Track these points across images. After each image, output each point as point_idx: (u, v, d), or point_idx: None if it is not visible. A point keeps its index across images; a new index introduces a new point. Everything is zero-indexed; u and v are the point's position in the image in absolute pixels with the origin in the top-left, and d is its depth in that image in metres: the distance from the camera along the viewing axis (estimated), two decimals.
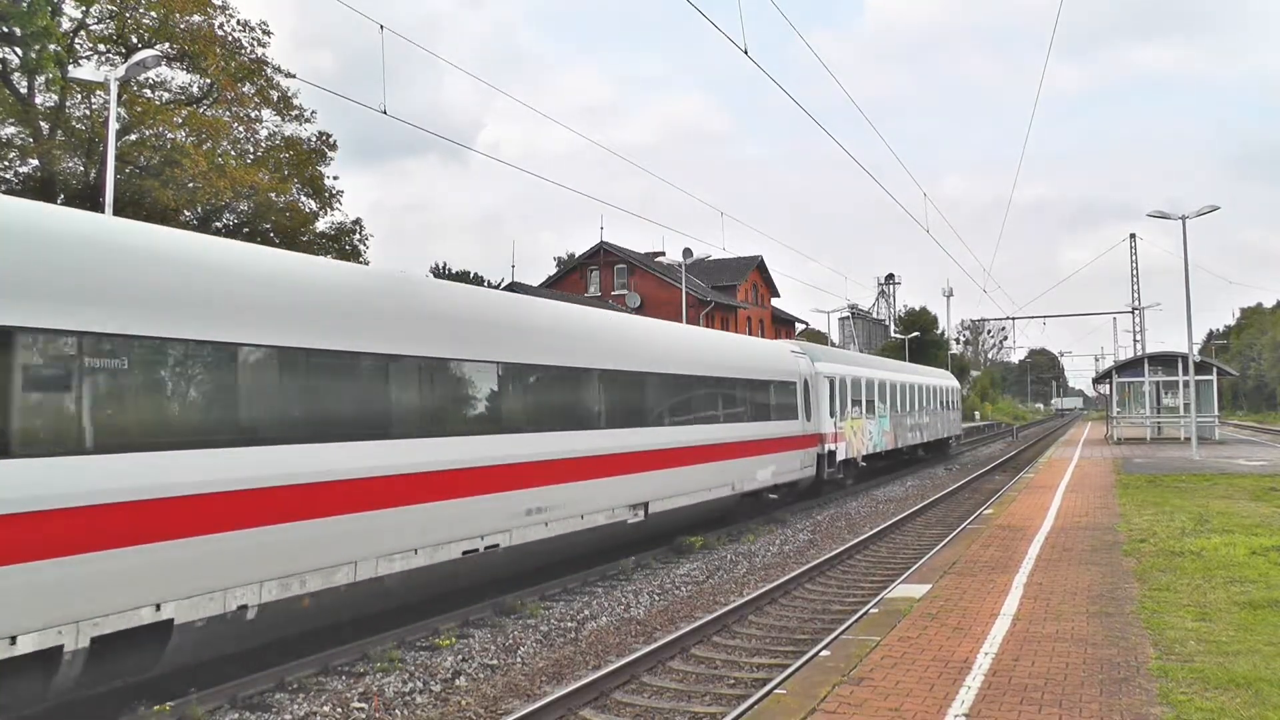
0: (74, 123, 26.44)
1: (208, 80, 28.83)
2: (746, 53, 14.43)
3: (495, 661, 9.33)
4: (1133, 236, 60.44)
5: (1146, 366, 41.41)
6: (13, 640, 6.08)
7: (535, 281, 57.22)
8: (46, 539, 6.26)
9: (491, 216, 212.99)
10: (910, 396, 32.51)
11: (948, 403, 40.53)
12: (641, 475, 13.96)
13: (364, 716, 7.82)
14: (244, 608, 7.74)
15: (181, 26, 27.13)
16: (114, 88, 18.42)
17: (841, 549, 15.31)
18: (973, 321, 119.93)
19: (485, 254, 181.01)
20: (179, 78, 29.30)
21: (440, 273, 59.86)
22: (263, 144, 31.34)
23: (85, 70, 24.58)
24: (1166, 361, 40.64)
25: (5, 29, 23.11)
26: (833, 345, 61.70)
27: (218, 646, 7.82)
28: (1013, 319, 77.78)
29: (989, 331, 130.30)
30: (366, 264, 30.70)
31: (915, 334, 75.82)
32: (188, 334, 7.46)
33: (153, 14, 26.92)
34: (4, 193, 23.16)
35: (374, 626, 9.90)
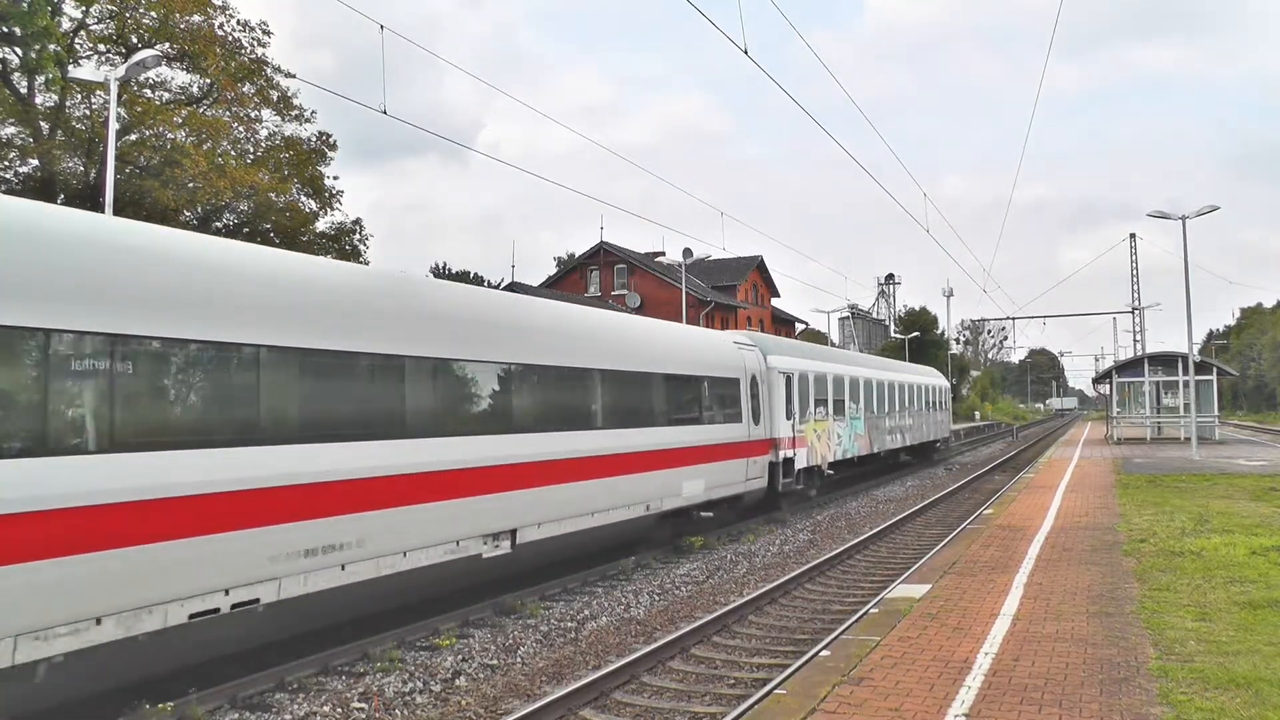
0: (74, 123, 26.45)
1: (208, 80, 28.83)
2: (746, 53, 14.44)
3: (495, 661, 9.33)
4: (1133, 236, 60.56)
5: (1146, 366, 41.41)
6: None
7: (535, 281, 57.26)
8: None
9: (491, 216, 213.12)
10: (890, 396, 29.74)
11: (935, 403, 37.61)
12: (503, 495, 10.95)
13: (364, 716, 7.82)
14: None
15: (181, 26, 27.13)
16: (114, 88, 18.42)
17: (841, 549, 15.31)
18: (973, 321, 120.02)
19: (485, 254, 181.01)
20: (179, 78, 29.36)
21: (440, 273, 59.82)
22: (263, 144, 31.35)
23: (85, 70, 24.60)
24: (1166, 361, 40.65)
25: (5, 29, 23.11)
26: (833, 345, 61.55)
27: None
28: (1013, 319, 77.97)
29: (989, 331, 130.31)
30: (366, 264, 30.67)
31: (915, 334, 75.78)
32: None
33: (153, 14, 26.92)
34: (4, 193, 23.17)
35: (374, 626, 9.90)
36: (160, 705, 7.33)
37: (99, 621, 6.65)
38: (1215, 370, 41.38)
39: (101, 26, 27.30)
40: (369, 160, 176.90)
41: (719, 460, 16.68)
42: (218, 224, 30.05)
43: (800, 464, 20.47)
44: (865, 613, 9.80)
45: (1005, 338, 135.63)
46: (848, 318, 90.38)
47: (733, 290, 58.57)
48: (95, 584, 6.59)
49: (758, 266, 62.49)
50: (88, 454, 6.69)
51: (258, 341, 8.10)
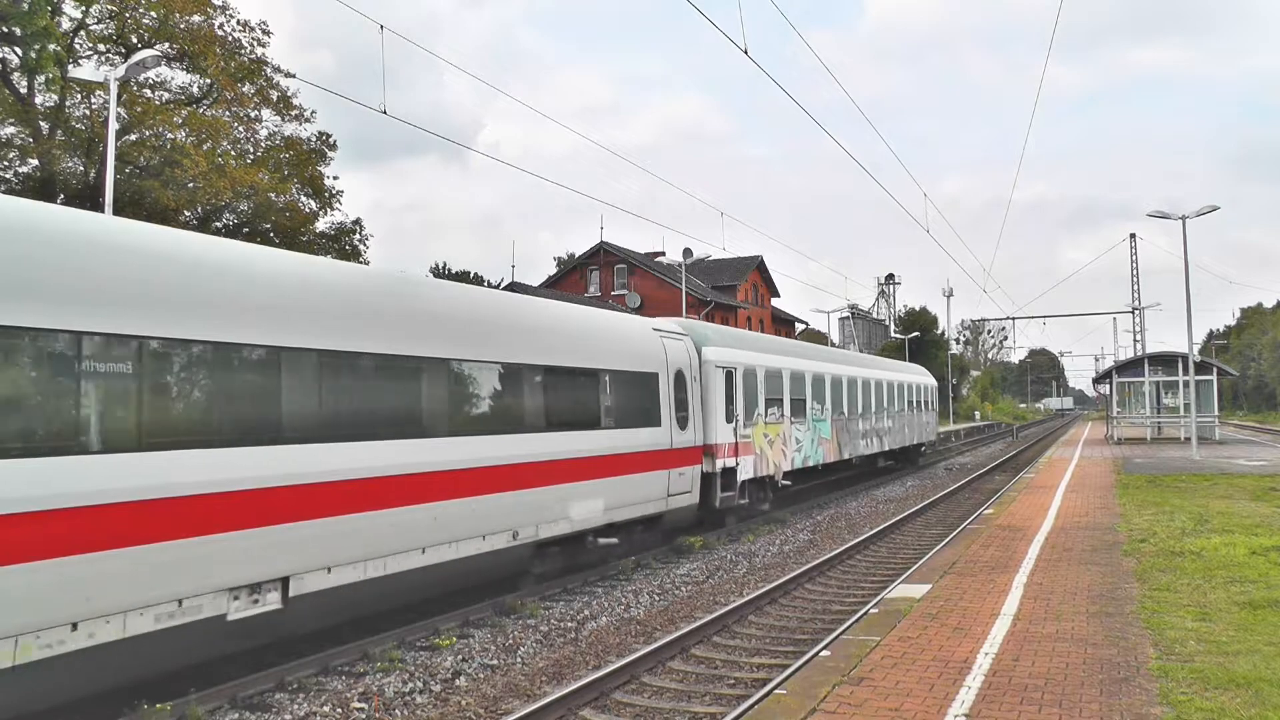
0: (74, 123, 26.45)
1: (208, 80, 28.83)
2: (746, 53, 14.44)
3: (495, 661, 9.33)
4: (1133, 236, 60.62)
5: (1146, 366, 41.42)
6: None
7: (535, 281, 57.26)
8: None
9: (491, 216, 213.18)
10: (866, 395, 26.59)
11: (920, 403, 34.33)
12: (263, 532, 7.99)
13: (364, 716, 7.82)
14: None
15: (181, 26, 27.13)
16: (114, 88, 18.43)
17: (841, 549, 15.31)
18: (973, 321, 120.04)
19: (485, 254, 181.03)
20: (179, 78, 29.36)
21: (440, 273, 59.83)
22: (263, 144, 31.36)
23: (85, 70, 24.68)
24: (1166, 361, 40.65)
25: (5, 29, 23.11)
26: (833, 345, 61.42)
27: None
28: (1013, 319, 78.01)
29: (989, 331, 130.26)
30: (366, 264, 30.68)
31: (915, 334, 75.81)
32: None
33: (153, 14, 26.92)
34: (4, 193, 23.18)
35: (374, 627, 9.90)
36: (160, 705, 7.33)
37: None
38: (1215, 370, 41.40)
39: (101, 26, 27.31)
40: (369, 160, 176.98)
41: (626, 473, 13.58)
42: (218, 224, 30.06)
43: (745, 474, 17.53)
44: (865, 613, 9.80)
45: (1005, 338, 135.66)
46: (848, 318, 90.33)
47: (733, 290, 58.57)
48: None
49: (758, 266, 62.49)
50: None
51: None
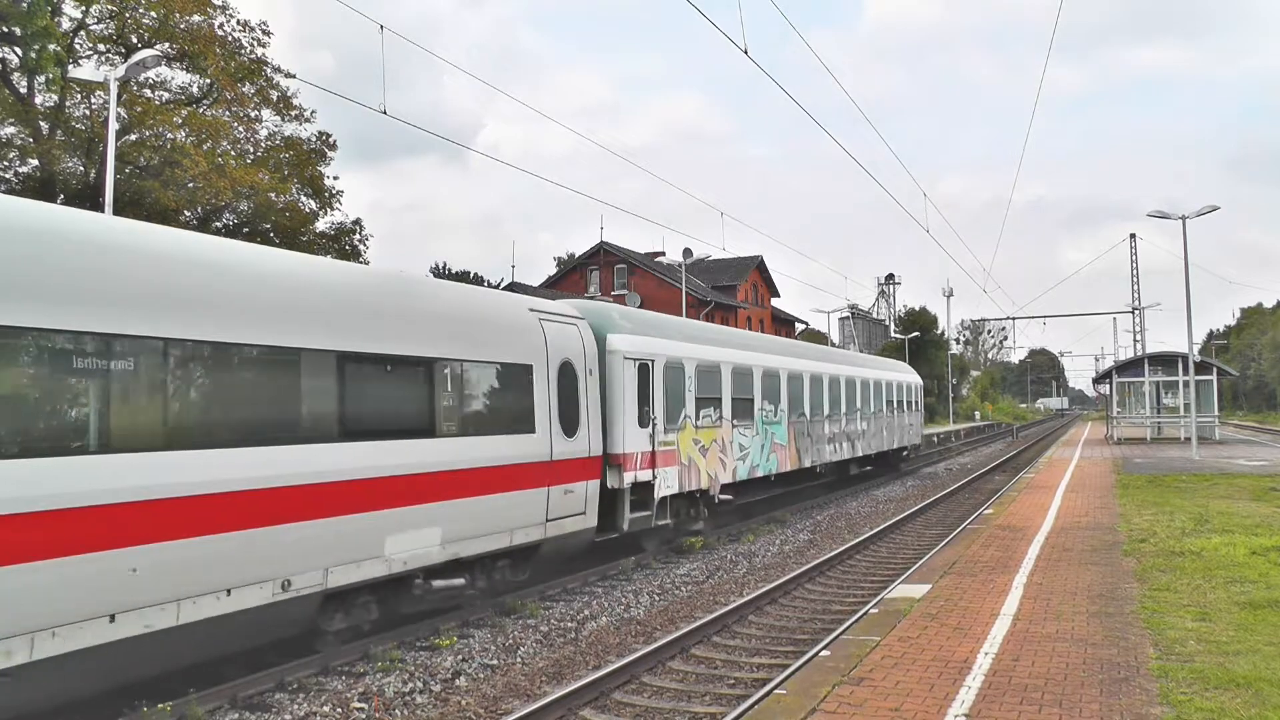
0: (74, 123, 26.46)
1: (208, 80, 28.84)
2: (746, 53, 14.44)
3: (495, 661, 9.33)
4: (1133, 236, 60.55)
5: (1146, 366, 41.43)
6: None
7: (535, 281, 57.26)
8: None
9: (491, 216, 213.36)
10: (834, 394, 23.35)
11: (902, 403, 31.10)
12: None
13: (364, 716, 7.82)
14: None
15: (181, 26, 27.14)
16: (114, 88, 18.44)
17: (841, 549, 15.31)
18: (973, 321, 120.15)
19: (485, 254, 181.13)
20: (179, 78, 29.38)
21: (440, 273, 59.84)
22: (263, 144, 31.35)
23: (85, 70, 24.62)
24: (1166, 361, 40.66)
25: (5, 29, 23.12)
26: (832, 345, 61.34)
27: None
28: (1013, 319, 77.90)
29: (989, 331, 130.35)
30: (366, 264, 30.69)
31: (915, 334, 75.81)
32: None
33: (153, 14, 26.93)
34: (4, 192, 23.19)
35: (374, 627, 9.90)
36: (160, 705, 7.33)
37: None
38: (1215, 370, 41.41)
39: (101, 26, 27.32)
40: (369, 160, 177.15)
41: (480, 493, 10.45)
42: (217, 224, 30.07)
43: (666, 489, 14.60)
44: (865, 613, 9.80)
45: (1005, 338, 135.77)
46: (848, 318, 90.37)
47: (733, 290, 58.58)
48: None
49: (758, 266, 62.50)
50: None
51: None
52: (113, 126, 18.68)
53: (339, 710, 7.87)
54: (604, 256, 55.34)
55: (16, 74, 25.34)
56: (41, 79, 24.71)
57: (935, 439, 52.41)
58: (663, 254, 51.02)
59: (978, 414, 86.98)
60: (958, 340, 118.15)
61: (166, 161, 26.39)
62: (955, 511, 21.12)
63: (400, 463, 9.47)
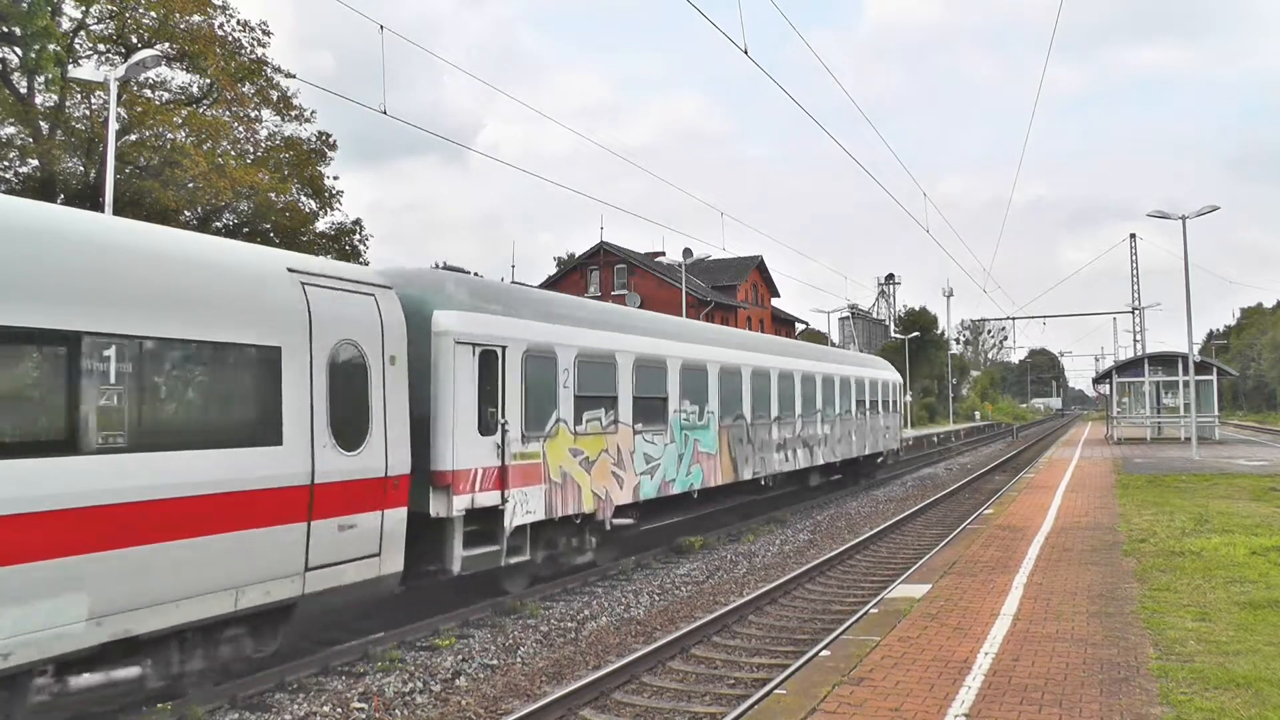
0: (74, 123, 26.47)
1: (208, 80, 28.85)
2: (746, 53, 14.44)
3: (495, 661, 9.33)
4: (1133, 236, 60.54)
5: (1146, 366, 41.45)
6: None
7: (535, 281, 57.24)
8: None
9: (491, 216, 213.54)
10: (784, 393, 19.91)
11: (875, 403, 27.36)
12: None
13: (364, 716, 7.82)
14: None
15: (181, 26, 27.15)
16: (114, 88, 18.44)
17: (841, 549, 15.31)
18: (973, 321, 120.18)
19: (485, 254, 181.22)
20: (179, 78, 29.39)
21: None
22: (263, 144, 31.36)
23: (85, 70, 24.62)
24: (1166, 361, 40.67)
25: (5, 29, 23.12)
26: (833, 344, 61.37)
27: None
28: (1013, 319, 77.92)
29: (989, 331, 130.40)
30: (366, 264, 30.71)
31: (915, 334, 75.83)
32: None
33: (153, 14, 26.94)
34: (4, 193, 23.20)
35: (374, 627, 9.91)
36: (160, 705, 7.33)
37: None
38: (1215, 370, 41.43)
39: (101, 26, 27.33)
40: (369, 160, 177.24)
41: (173, 536, 7.18)
42: (218, 224, 30.07)
43: (524, 515, 11.34)
44: (865, 613, 9.80)
45: (1005, 338, 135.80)
46: (848, 318, 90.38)
47: (733, 290, 58.56)
48: None
49: (758, 266, 62.49)
50: None
51: None
52: (113, 126, 18.68)
53: (339, 710, 7.88)
54: (604, 256, 55.33)
55: (16, 74, 25.35)
56: (41, 79, 24.73)
57: (935, 439, 52.43)
58: (663, 254, 51.02)
59: (978, 414, 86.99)
60: (958, 340, 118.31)
61: (166, 161, 26.40)
62: (955, 511, 21.12)
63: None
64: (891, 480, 30.08)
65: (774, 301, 67.97)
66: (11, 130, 26.35)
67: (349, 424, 8.89)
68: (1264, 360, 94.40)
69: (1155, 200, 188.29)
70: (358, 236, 33.95)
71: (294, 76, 31.67)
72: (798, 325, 71.38)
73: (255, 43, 29.71)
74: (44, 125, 25.99)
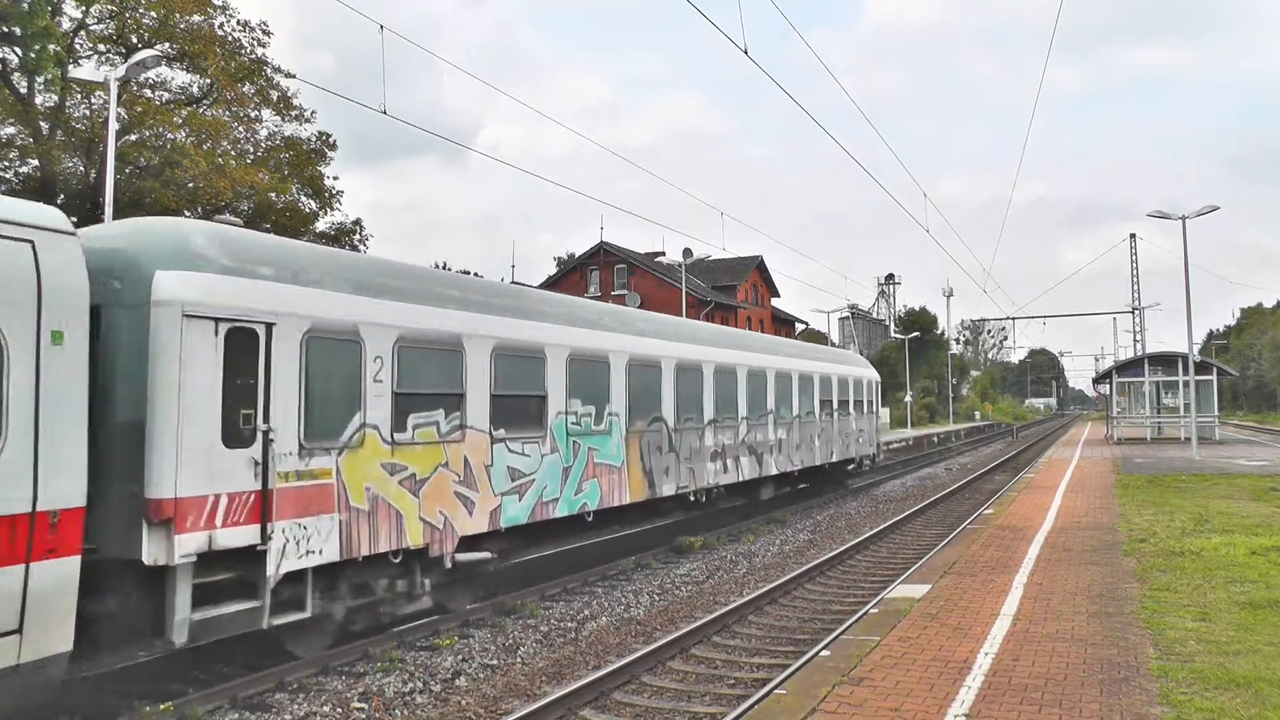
0: (74, 123, 26.46)
1: (208, 80, 28.84)
2: (746, 53, 14.44)
3: (495, 661, 9.33)
4: (1133, 236, 60.59)
5: (1146, 366, 41.45)
6: None
7: (535, 281, 57.23)
8: None
9: (491, 216, 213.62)
10: (725, 391, 16.97)
11: (846, 403, 24.29)
12: None
13: (364, 716, 7.82)
14: None
15: (181, 26, 27.14)
16: (114, 88, 18.43)
17: (841, 549, 15.31)
18: (973, 321, 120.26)
19: (485, 254, 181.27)
20: (179, 78, 29.37)
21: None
22: (263, 144, 31.35)
23: (85, 70, 24.60)
24: (1166, 361, 40.68)
25: (5, 29, 23.12)
26: (833, 344, 61.34)
27: None
28: (1013, 319, 77.93)
29: (989, 331, 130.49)
30: None
31: (915, 334, 75.85)
32: None
33: (153, 14, 26.93)
34: (4, 193, 23.21)
35: (373, 627, 9.90)
36: (160, 705, 7.34)
37: None
38: (1215, 370, 41.43)
39: (101, 26, 27.32)
40: (369, 160, 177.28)
41: None
42: None
43: (303, 557, 8.49)
44: (865, 613, 9.80)
45: (1005, 338, 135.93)
46: (848, 318, 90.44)
47: (733, 290, 58.56)
48: None
49: (758, 266, 62.50)
50: None
51: None
52: (113, 126, 18.67)
53: (339, 710, 7.88)
54: (604, 256, 55.33)
55: (16, 74, 25.33)
56: (41, 79, 24.72)
57: (935, 439, 52.47)
58: (663, 254, 51.00)
59: (978, 414, 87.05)
60: (958, 340, 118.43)
61: (166, 162, 26.39)
62: (955, 511, 21.12)
63: None
64: (891, 479, 30.08)
65: (774, 302, 67.99)
66: (11, 130, 26.35)
67: None
68: (1264, 360, 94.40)
69: (1155, 200, 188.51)
70: (358, 236, 33.97)
71: (294, 76, 31.68)
72: (798, 325, 71.41)
73: (255, 43, 29.72)
74: (44, 125, 25.98)
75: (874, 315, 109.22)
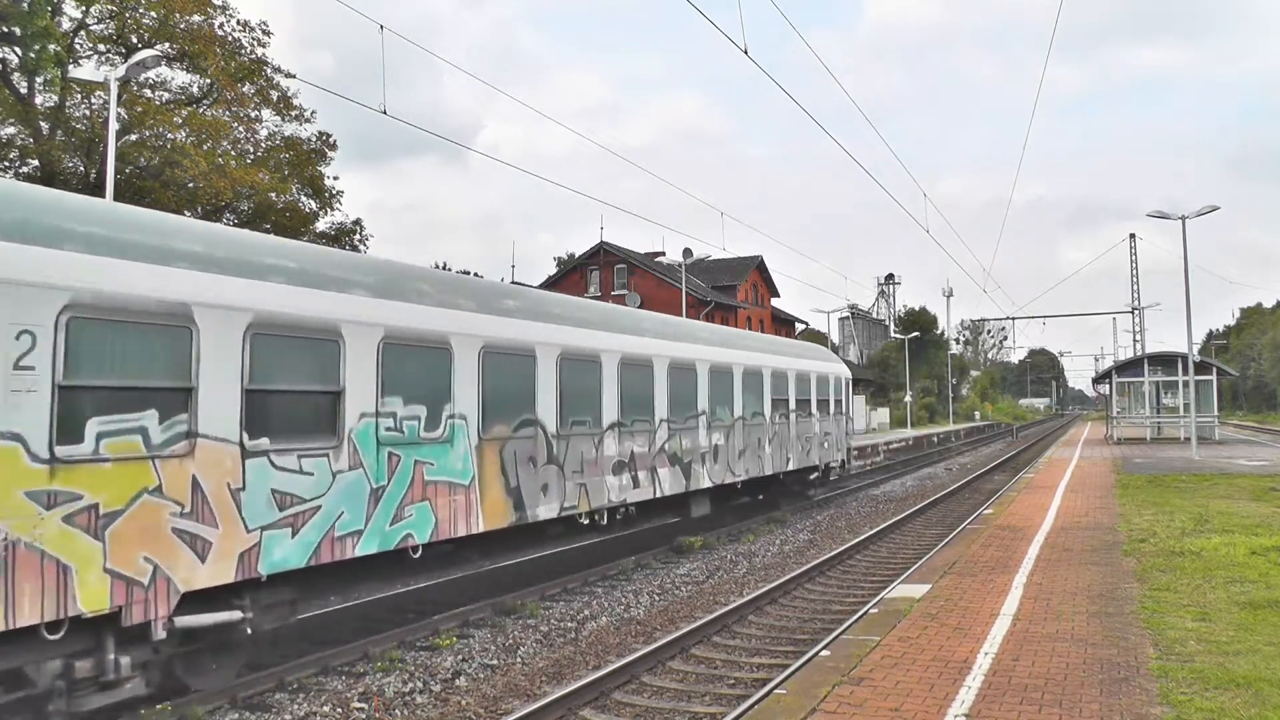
0: (74, 123, 26.46)
1: (208, 80, 28.85)
2: (746, 53, 14.44)
3: (495, 661, 9.34)
4: (1132, 236, 60.48)
5: (1146, 366, 41.44)
6: None
7: (535, 281, 57.24)
8: None
9: (491, 216, 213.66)
10: (638, 389, 13.99)
11: (808, 403, 21.27)
12: None
13: (364, 716, 7.82)
14: None
15: (181, 26, 27.15)
16: (114, 88, 18.43)
17: (841, 549, 15.31)
18: (973, 321, 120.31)
19: (485, 254, 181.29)
20: (179, 78, 29.39)
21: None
22: (263, 144, 31.35)
23: (85, 70, 24.64)
24: (1166, 361, 40.67)
25: (5, 29, 23.12)
26: (833, 345, 61.21)
27: None
28: (1013, 319, 77.90)
29: (989, 331, 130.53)
30: None
31: (915, 334, 75.88)
32: None
33: (153, 14, 26.93)
34: None
35: (374, 627, 9.91)
36: (160, 705, 7.34)
37: None
38: (1215, 370, 41.42)
39: (101, 26, 27.32)
40: (369, 160, 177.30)
41: None
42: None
43: None
44: (865, 613, 9.80)
45: (1005, 338, 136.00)
46: (848, 318, 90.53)
47: (733, 290, 58.54)
48: None
49: (758, 266, 62.49)
50: None
51: None
52: (113, 126, 18.66)
53: (339, 710, 7.88)
54: (604, 256, 55.31)
55: (16, 74, 25.33)
56: (41, 79, 24.73)
57: (935, 439, 52.48)
58: (663, 254, 51.01)
59: (977, 414, 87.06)
60: (957, 340, 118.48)
61: (167, 162, 26.39)
62: (955, 511, 21.12)
63: None
64: (891, 479, 30.10)
65: (774, 302, 67.98)
66: (12, 130, 26.35)
67: None
68: (1264, 360, 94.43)
69: (1155, 200, 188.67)
70: (358, 236, 33.99)
71: (294, 76, 31.69)
72: (798, 325, 71.42)
73: (255, 43, 29.72)
74: (44, 125, 25.98)
75: (874, 315, 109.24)
